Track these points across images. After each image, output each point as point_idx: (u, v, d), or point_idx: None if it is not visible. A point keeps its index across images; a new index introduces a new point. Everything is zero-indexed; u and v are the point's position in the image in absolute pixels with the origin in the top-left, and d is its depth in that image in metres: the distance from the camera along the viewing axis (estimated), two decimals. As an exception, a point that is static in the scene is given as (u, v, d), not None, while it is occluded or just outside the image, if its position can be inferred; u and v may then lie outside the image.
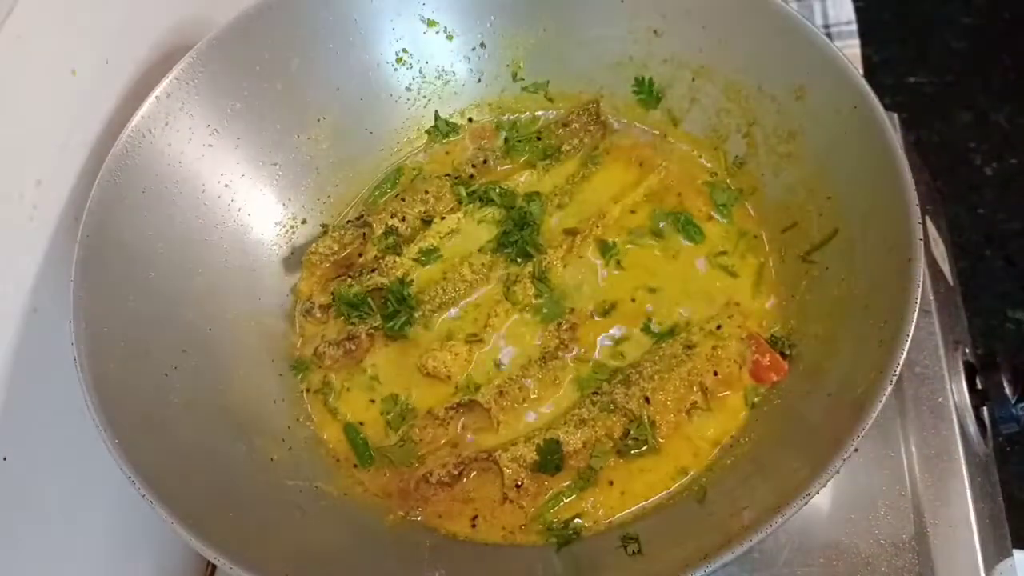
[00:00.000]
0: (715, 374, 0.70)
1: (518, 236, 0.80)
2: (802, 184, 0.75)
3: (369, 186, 0.88)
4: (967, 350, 0.81)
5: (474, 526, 0.68)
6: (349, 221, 0.85)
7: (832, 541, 0.68)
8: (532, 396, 0.73)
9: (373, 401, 0.75)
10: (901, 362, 0.54)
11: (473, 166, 0.87)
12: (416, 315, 0.77)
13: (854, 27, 1.12)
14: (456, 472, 0.69)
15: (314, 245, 0.81)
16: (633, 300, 0.77)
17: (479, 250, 0.81)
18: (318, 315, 0.79)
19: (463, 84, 0.89)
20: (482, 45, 0.87)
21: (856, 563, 0.67)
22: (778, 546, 0.69)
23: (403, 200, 0.84)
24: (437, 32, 0.86)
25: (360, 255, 0.82)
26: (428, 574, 0.63)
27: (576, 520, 0.66)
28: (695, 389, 0.70)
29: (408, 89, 0.88)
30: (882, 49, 1.60)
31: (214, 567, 0.80)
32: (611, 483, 0.68)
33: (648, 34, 0.82)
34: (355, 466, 0.72)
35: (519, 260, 0.80)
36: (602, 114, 0.87)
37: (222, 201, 0.77)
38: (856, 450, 0.52)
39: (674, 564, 0.53)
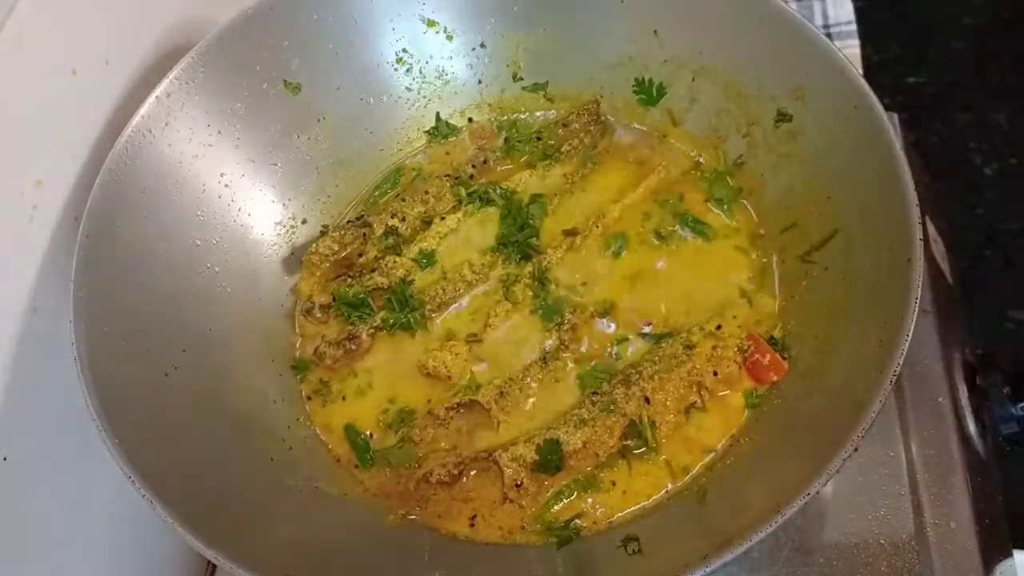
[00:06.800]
0: (715, 374, 0.70)
1: (518, 236, 0.80)
2: (802, 184, 0.75)
3: (369, 186, 0.88)
4: (967, 350, 0.82)
5: (472, 526, 0.68)
6: (349, 221, 0.85)
7: (832, 541, 0.68)
8: (532, 396, 0.73)
9: (372, 401, 0.75)
10: (901, 362, 0.54)
11: (473, 166, 0.87)
12: (416, 315, 0.77)
13: (854, 27, 1.12)
14: (456, 472, 0.69)
15: (314, 245, 0.81)
16: (633, 300, 0.77)
17: (479, 250, 0.81)
18: (318, 315, 0.79)
19: (463, 84, 0.89)
20: (482, 45, 0.87)
21: (856, 563, 0.68)
22: (778, 546, 0.69)
23: (403, 200, 0.84)
24: (437, 32, 0.86)
25: (360, 255, 0.82)
26: (428, 574, 0.63)
27: (576, 520, 0.66)
28: (695, 389, 0.70)
29: (408, 89, 0.88)
30: (882, 49, 1.60)
31: (214, 567, 0.80)
32: (613, 483, 0.68)
33: (648, 34, 0.82)
34: (356, 467, 0.72)
35: (519, 260, 0.80)
36: (602, 114, 0.87)
37: (222, 201, 0.77)
38: (856, 450, 0.52)
39: (674, 564, 0.53)
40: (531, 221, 0.82)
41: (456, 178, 0.85)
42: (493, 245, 0.81)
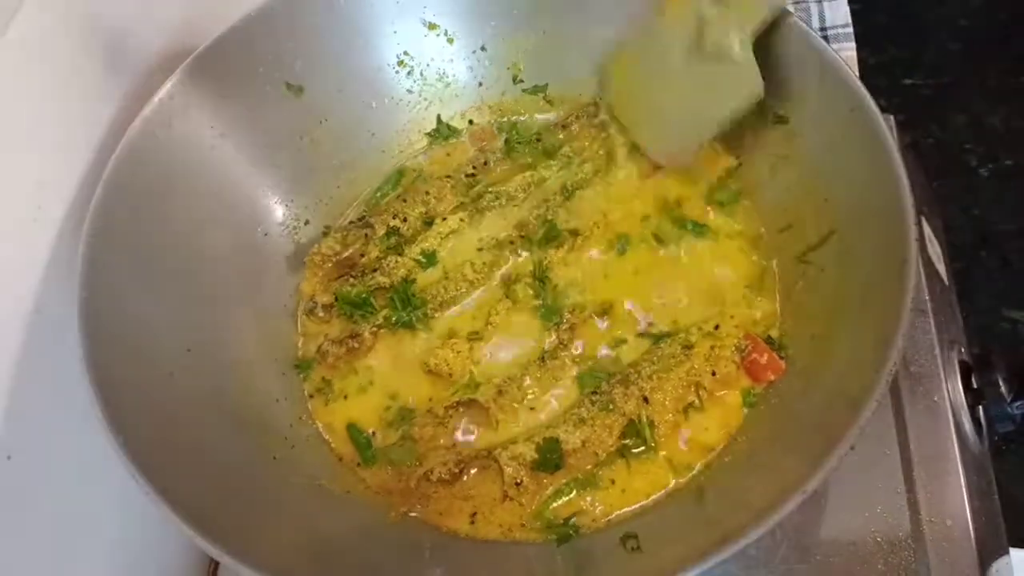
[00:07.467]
0: (713, 374, 0.71)
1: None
2: (799, 186, 0.75)
3: (371, 187, 0.88)
4: (963, 349, 0.82)
5: (473, 523, 0.68)
6: (351, 222, 0.85)
7: (829, 538, 0.69)
8: (531, 395, 0.73)
9: (374, 399, 0.75)
10: (897, 361, 0.55)
11: (474, 168, 0.87)
12: (418, 314, 0.78)
13: (851, 30, 1.13)
14: (456, 470, 0.69)
15: (317, 246, 0.81)
16: (632, 300, 0.77)
17: (479, 249, 0.82)
18: (321, 315, 0.80)
19: (463, 86, 0.90)
20: (482, 48, 0.88)
21: (852, 560, 0.68)
22: (775, 543, 0.69)
23: (404, 201, 0.84)
24: (438, 35, 0.87)
25: (362, 255, 0.82)
26: (429, 571, 0.64)
27: (575, 518, 0.67)
28: (693, 389, 0.70)
29: (409, 92, 0.88)
30: (878, 51, 1.61)
31: (217, 564, 0.81)
32: (612, 482, 0.68)
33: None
34: (358, 465, 0.72)
35: (518, 252, 0.80)
36: (601, 115, 0.88)
37: (225, 202, 0.77)
38: (852, 448, 0.53)
39: (672, 561, 0.53)
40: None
41: (460, 177, 0.85)
42: (494, 243, 0.81)
